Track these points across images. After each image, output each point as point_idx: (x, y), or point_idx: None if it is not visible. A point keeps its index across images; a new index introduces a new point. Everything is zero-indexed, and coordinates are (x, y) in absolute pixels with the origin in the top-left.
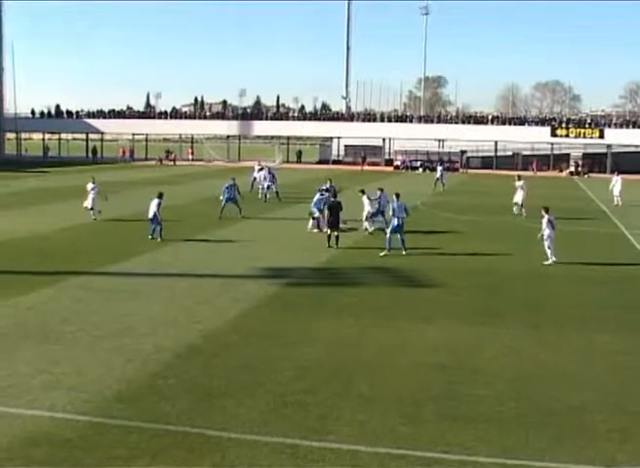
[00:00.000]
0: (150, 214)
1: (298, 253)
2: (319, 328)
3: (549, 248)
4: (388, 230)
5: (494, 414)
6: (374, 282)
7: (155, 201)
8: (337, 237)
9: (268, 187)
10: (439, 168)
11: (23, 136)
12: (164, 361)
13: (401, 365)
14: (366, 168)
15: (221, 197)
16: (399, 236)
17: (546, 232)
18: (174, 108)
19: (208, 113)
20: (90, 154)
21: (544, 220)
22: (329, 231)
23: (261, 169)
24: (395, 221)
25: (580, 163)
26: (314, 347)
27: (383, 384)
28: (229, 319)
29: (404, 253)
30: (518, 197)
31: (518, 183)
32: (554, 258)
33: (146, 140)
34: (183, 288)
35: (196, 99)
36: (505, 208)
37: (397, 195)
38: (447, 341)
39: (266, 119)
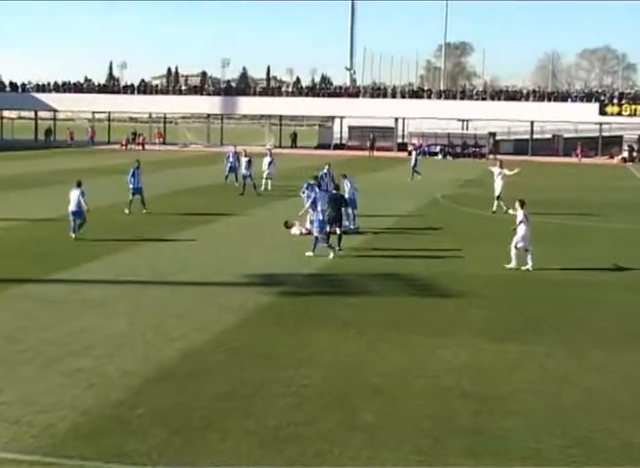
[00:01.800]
0: (73, 207)
1: (290, 256)
2: (318, 345)
3: (521, 248)
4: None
5: (529, 452)
6: (381, 290)
7: (76, 191)
8: (339, 237)
9: (249, 176)
10: (413, 153)
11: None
12: (131, 387)
13: (415, 390)
14: (375, 153)
15: None
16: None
17: (521, 230)
18: (142, 81)
19: (183, 87)
20: (42, 136)
21: (520, 215)
22: (328, 228)
23: (248, 160)
24: (320, 216)
25: (635, 147)
26: (312, 368)
27: (394, 413)
28: (211, 335)
29: (331, 255)
30: (497, 187)
31: (496, 170)
32: (530, 263)
33: (109, 120)
34: (154, 297)
35: (169, 71)
36: (539, 203)
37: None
38: (469, 361)
39: (254, 95)
